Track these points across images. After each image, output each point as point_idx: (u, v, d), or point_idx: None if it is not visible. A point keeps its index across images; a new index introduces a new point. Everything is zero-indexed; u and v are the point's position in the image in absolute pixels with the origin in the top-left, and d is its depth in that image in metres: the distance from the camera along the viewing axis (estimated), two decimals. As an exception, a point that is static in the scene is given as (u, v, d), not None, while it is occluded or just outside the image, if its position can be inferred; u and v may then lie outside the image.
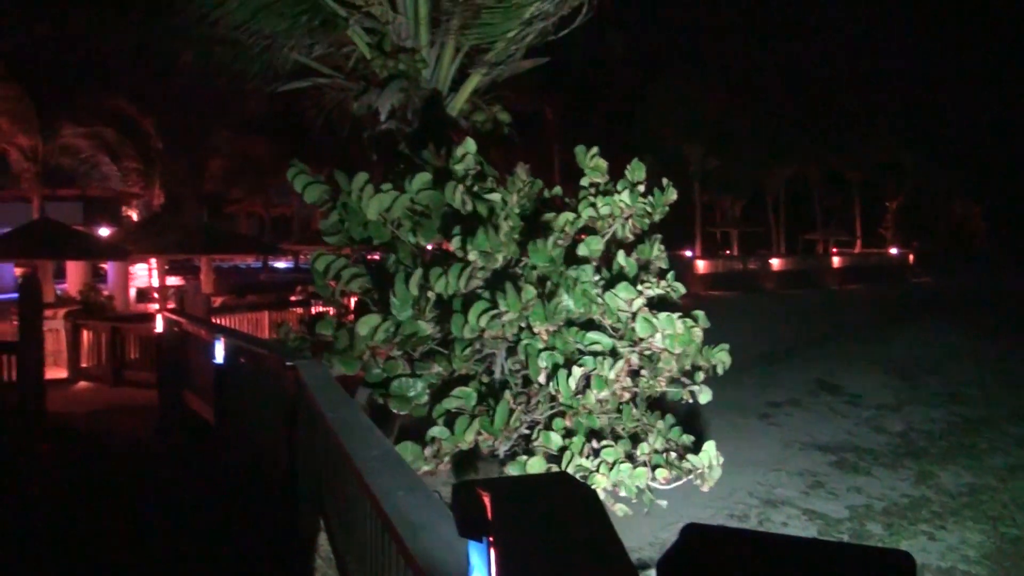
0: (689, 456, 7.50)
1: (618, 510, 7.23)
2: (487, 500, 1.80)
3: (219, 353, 9.87)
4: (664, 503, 7.47)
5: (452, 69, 10.59)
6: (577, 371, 6.98)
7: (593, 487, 6.89)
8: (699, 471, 7.46)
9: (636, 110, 43.45)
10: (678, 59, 45.20)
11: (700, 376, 7.82)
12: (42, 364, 13.96)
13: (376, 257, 9.11)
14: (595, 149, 8.40)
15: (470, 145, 7.96)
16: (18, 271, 38.77)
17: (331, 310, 9.01)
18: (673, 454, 7.59)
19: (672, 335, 7.26)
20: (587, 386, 7.08)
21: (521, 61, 10.71)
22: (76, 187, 35.29)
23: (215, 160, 39.14)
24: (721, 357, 7.82)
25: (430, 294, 7.59)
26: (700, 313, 7.81)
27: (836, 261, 51.69)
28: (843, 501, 10.19)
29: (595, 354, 7.22)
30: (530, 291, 7.15)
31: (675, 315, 7.39)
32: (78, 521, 8.49)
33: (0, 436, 11.86)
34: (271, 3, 10.15)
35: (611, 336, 7.51)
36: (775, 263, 46.86)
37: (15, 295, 29.71)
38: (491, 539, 1.85)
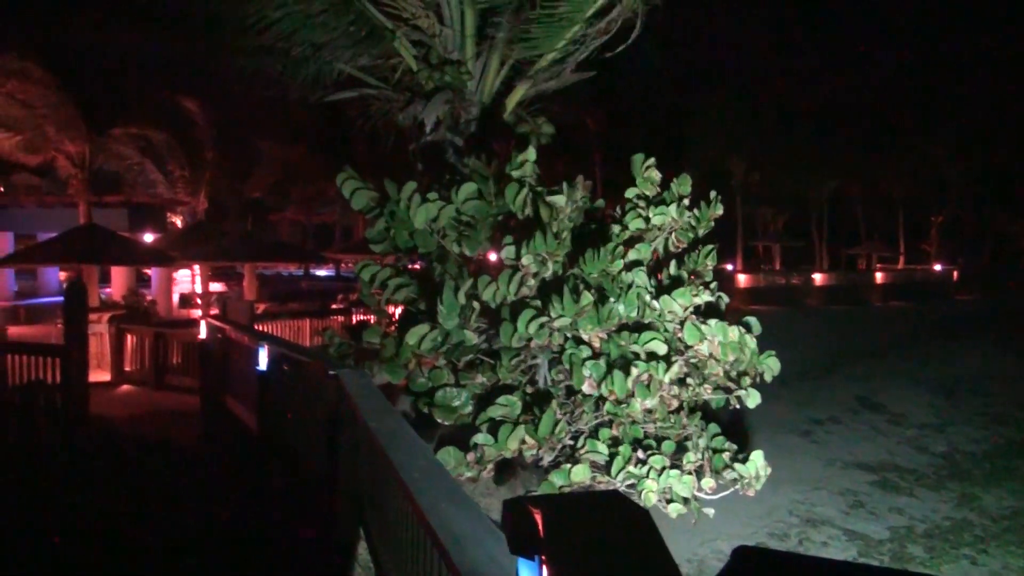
0: (736, 465, 7.44)
1: (672, 511, 7.16)
2: (538, 517, 1.80)
3: (262, 360, 9.93)
4: (711, 511, 7.41)
5: (497, 81, 10.62)
6: (634, 371, 6.95)
7: (643, 492, 6.86)
8: (746, 480, 7.40)
9: (679, 123, 43.32)
10: (722, 72, 45.05)
11: (747, 381, 7.74)
12: (86, 367, 14.12)
13: (416, 267, 9.15)
14: (651, 160, 8.34)
15: (531, 152, 7.98)
16: (63, 275, 39.35)
17: (372, 318, 9.05)
18: (720, 455, 7.52)
19: (724, 342, 7.22)
20: (633, 395, 7.04)
21: (568, 75, 10.71)
22: (122, 193, 35.75)
23: (260, 168, 39.49)
24: (770, 363, 7.76)
25: (476, 304, 7.61)
26: (752, 319, 7.77)
27: (879, 277, 51.12)
28: (884, 522, 10.07)
29: (650, 357, 7.18)
30: (587, 296, 7.14)
31: (724, 322, 7.36)
32: (117, 524, 8.56)
33: (44, 436, 11.98)
34: (318, 14, 10.24)
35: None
36: (817, 278, 46.41)
37: (60, 299, 30.22)
38: (543, 558, 1.84)
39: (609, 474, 7.02)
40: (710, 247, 8.47)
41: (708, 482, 7.34)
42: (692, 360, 7.49)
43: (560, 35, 9.97)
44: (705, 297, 7.71)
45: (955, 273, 56.32)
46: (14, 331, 24.35)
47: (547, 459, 7.35)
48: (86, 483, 9.64)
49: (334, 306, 26.92)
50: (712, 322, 7.35)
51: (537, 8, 9.67)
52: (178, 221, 35.32)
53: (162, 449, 12.20)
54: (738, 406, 7.84)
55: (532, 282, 7.63)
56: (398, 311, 9.11)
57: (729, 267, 42.06)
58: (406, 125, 10.82)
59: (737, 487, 7.52)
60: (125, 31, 26.47)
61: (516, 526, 1.94)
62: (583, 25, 9.92)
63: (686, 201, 8.33)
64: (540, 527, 1.85)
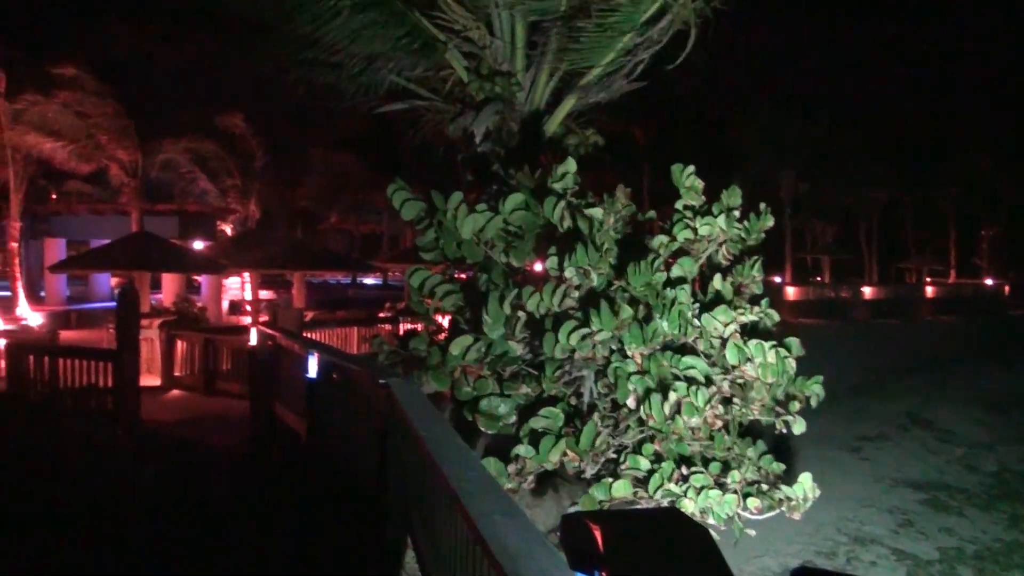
0: (783, 487, 7.36)
1: (711, 530, 7.12)
2: (597, 534, 1.81)
3: (312, 367, 10.02)
4: (753, 532, 7.36)
5: (547, 92, 10.67)
6: (672, 396, 6.92)
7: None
8: (793, 502, 7.32)
9: (727, 134, 43.15)
10: (771, 83, 44.83)
11: (795, 406, 7.65)
12: (137, 371, 14.33)
13: (463, 276, 9.19)
14: (691, 168, 8.29)
15: (571, 164, 7.99)
16: (114, 281, 39.93)
17: (419, 326, 9.10)
18: (764, 485, 7.46)
19: (764, 364, 7.16)
20: (678, 412, 7.01)
21: (619, 86, 10.72)
22: (174, 202, 36.24)
23: (309, 177, 39.84)
24: (815, 389, 7.67)
25: (521, 314, 7.64)
26: (794, 341, 7.68)
27: (929, 291, 50.47)
28: (933, 542, 9.95)
29: (689, 381, 7.14)
30: (626, 311, 7.13)
31: (767, 343, 7.28)
32: (165, 525, 8.67)
33: (96, 439, 12.16)
34: (372, 26, 10.35)
35: (706, 362, 7.42)
36: (867, 292, 45.96)
37: (111, 304, 30.68)
38: (603, 575, 1.85)
39: (646, 490, 6.98)
40: (756, 258, 8.37)
41: (754, 502, 7.27)
42: (738, 380, 7.43)
43: (610, 46, 9.99)
44: (750, 315, 7.64)
45: (1007, 288, 55.47)
46: (66, 335, 24.76)
47: (589, 472, 7.34)
48: (135, 484, 9.77)
49: (381, 314, 27.10)
50: (752, 343, 7.28)
51: (590, 19, 9.69)
52: (228, 229, 35.69)
53: (211, 453, 12.34)
54: (785, 431, 7.76)
55: (576, 294, 7.64)
56: (446, 320, 9.16)
57: (778, 280, 41.75)
58: (456, 136, 10.90)
59: (783, 508, 7.45)
60: (178, 42, 26.89)
61: (575, 542, 1.96)
62: (634, 36, 9.93)
63: (736, 213, 8.28)
64: (599, 543, 1.86)
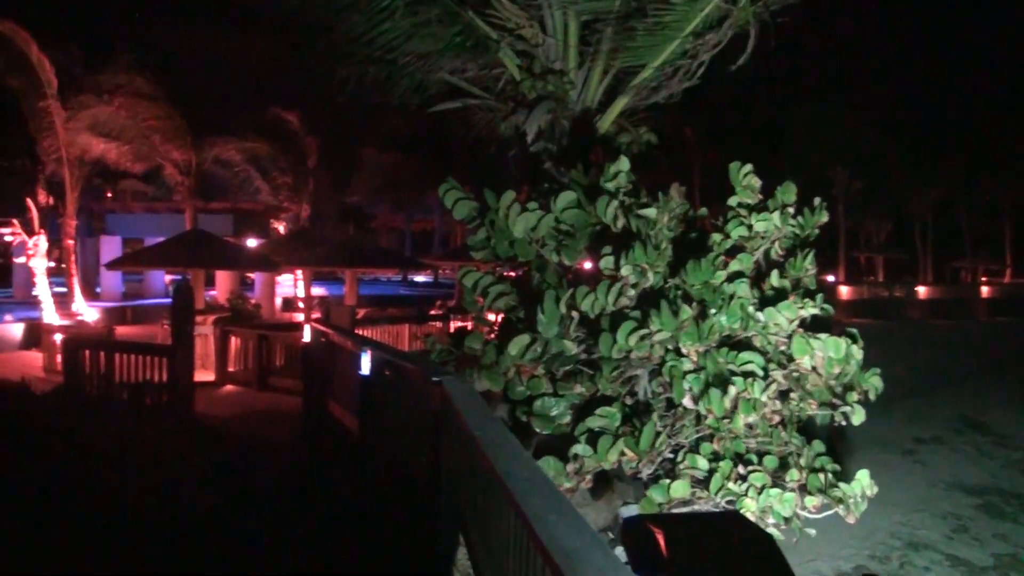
0: (841, 484, 7.29)
1: (772, 530, 7.07)
2: (660, 537, 1.81)
3: (365, 364, 10.08)
4: (813, 531, 7.29)
5: (600, 91, 10.64)
6: (732, 390, 6.88)
7: (742, 511, 6.78)
8: (850, 500, 7.25)
9: (779, 131, 42.78)
10: (824, 80, 44.35)
11: (853, 396, 7.56)
12: (192, 367, 14.51)
13: (512, 274, 9.19)
14: (748, 167, 8.23)
15: (623, 163, 7.96)
16: (168, 278, 40.48)
17: (469, 323, 9.12)
18: (820, 474, 7.39)
19: (832, 356, 7.10)
20: (735, 409, 6.96)
21: (675, 85, 10.67)
22: (227, 200, 36.66)
23: (360, 176, 40.08)
24: (873, 382, 7.59)
25: (575, 313, 7.63)
26: (855, 331, 7.63)
27: (985, 291, 49.63)
28: (988, 548, 9.79)
29: (747, 375, 7.09)
30: (686, 311, 7.09)
31: (834, 336, 7.24)
32: (219, 518, 8.77)
33: (151, 433, 12.33)
34: (425, 25, 10.39)
35: (762, 358, 7.36)
36: (921, 291, 45.31)
37: (165, 300, 31.11)
38: (668, 578, 1.85)
39: (708, 490, 6.94)
40: (808, 251, 8.28)
41: (812, 500, 7.20)
42: (794, 374, 7.37)
43: (665, 45, 9.94)
44: (810, 309, 7.58)
45: (1065, 288, 54.42)
46: (121, 331, 25.16)
47: (646, 472, 7.31)
48: (190, 480, 9.88)
49: (432, 312, 27.20)
50: (823, 336, 7.22)
51: (644, 17, 9.65)
52: (281, 227, 36.03)
53: (264, 448, 12.45)
54: (844, 422, 7.65)
55: (632, 292, 7.61)
56: (498, 317, 9.17)
57: (831, 279, 41.31)
58: (508, 134, 10.91)
59: (840, 508, 7.37)
60: (231, 41, 27.19)
61: (638, 545, 1.95)
62: (691, 37, 9.88)
63: (790, 209, 8.21)
64: (663, 547, 1.86)
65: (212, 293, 29.80)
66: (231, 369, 18.96)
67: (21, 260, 26.40)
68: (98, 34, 28.60)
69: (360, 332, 17.22)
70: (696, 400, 7.03)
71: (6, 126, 23.68)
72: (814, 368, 7.23)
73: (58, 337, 19.05)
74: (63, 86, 25.23)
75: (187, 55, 28.83)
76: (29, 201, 22.94)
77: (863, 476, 7.35)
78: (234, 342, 19.08)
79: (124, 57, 27.25)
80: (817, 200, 8.45)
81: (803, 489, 7.26)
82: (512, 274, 9.18)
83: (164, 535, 8.29)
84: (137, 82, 26.94)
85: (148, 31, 29.20)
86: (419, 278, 58.94)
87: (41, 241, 24.17)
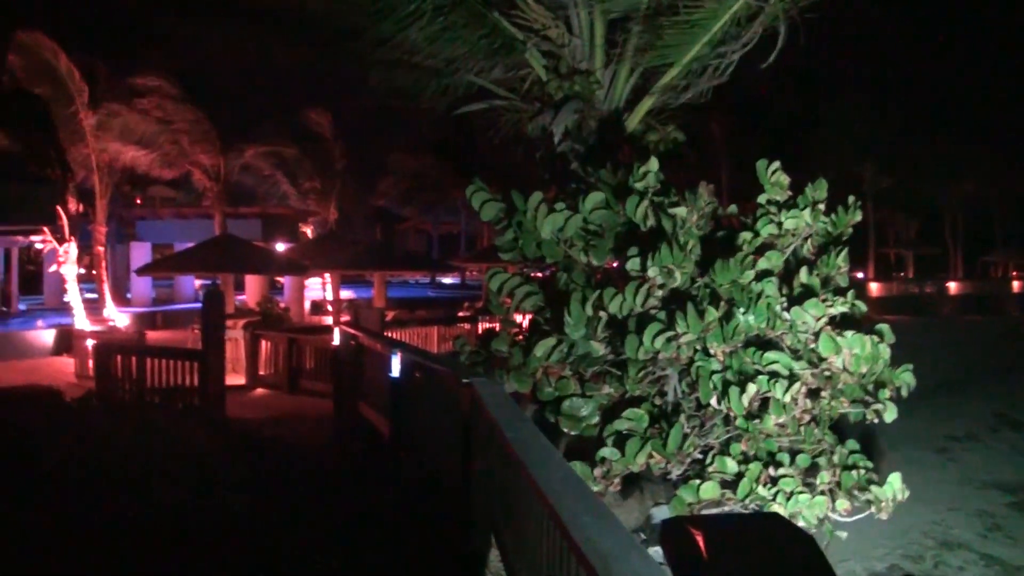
0: (874, 488, 7.23)
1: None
2: (700, 539, 1.80)
3: (395, 367, 10.12)
4: (844, 534, 7.23)
5: (627, 90, 10.62)
6: (751, 388, 6.83)
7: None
8: (882, 503, 7.19)
9: (806, 127, 42.49)
10: (851, 74, 44.04)
11: (885, 393, 7.48)
12: (223, 371, 14.62)
13: (540, 275, 9.18)
14: (776, 164, 8.17)
15: (653, 163, 7.93)
16: (198, 283, 40.78)
17: (498, 325, 9.12)
18: (854, 473, 7.32)
19: (859, 355, 7.03)
20: (762, 407, 6.92)
21: (703, 84, 10.64)
22: (256, 205, 36.89)
23: (387, 178, 40.24)
24: (905, 378, 7.50)
25: (602, 314, 7.61)
26: (885, 327, 7.53)
27: (1016, 286, 49.10)
28: (1023, 547, 9.66)
29: (772, 375, 7.03)
30: (712, 313, 7.05)
31: (861, 334, 7.16)
32: (250, 521, 8.82)
33: (182, 437, 12.41)
34: (452, 28, 10.42)
35: (790, 357, 7.30)
36: (952, 287, 44.90)
37: (195, 305, 31.33)
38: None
39: (736, 492, 6.90)
40: (841, 248, 8.20)
41: (843, 504, 7.14)
42: (825, 373, 7.31)
43: (693, 43, 9.91)
44: (840, 307, 7.51)
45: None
46: (152, 336, 25.39)
47: (675, 473, 7.28)
48: (223, 484, 9.94)
49: (460, 314, 27.26)
50: (848, 334, 7.14)
51: (671, 16, 9.63)
52: (309, 231, 36.21)
53: (296, 451, 12.50)
54: (876, 420, 7.58)
55: (659, 293, 7.58)
56: (525, 319, 9.17)
57: (860, 275, 41.00)
58: (535, 135, 10.91)
59: (872, 510, 7.31)
60: (257, 47, 27.39)
61: (678, 548, 1.94)
62: (719, 35, 9.84)
63: (821, 207, 8.14)
64: (702, 549, 1.85)
65: (242, 297, 30.00)
66: (262, 372, 19.09)
67: (52, 267, 26.65)
68: (124, 39, 28.86)
69: (389, 334, 17.29)
70: (720, 400, 7.00)
71: (35, 135, 23.90)
72: (845, 367, 7.17)
73: (89, 343, 19.25)
74: (91, 93, 25.47)
75: (214, 60, 29.07)
76: (59, 209, 23.15)
77: (895, 479, 7.28)
78: (264, 346, 19.21)
79: (151, 62, 27.49)
80: (851, 198, 8.37)
81: (833, 492, 7.20)
82: (539, 275, 9.17)
83: (197, 538, 8.35)
84: (165, 87, 27.15)
85: (174, 36, 29.46)
86: (447, 280, 59.03)
87: (71, 248, 24.39)
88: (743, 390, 6.89)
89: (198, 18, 29.62)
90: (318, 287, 35.73)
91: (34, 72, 24.84)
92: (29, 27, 24.11)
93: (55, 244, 24.26)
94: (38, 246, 26.31)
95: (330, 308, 30.29)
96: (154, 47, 28.55)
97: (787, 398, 6.92)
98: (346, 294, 35.70)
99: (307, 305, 33.65)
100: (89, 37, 26.45)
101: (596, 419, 7.69)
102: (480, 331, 21.88)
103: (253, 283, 31.20)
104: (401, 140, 36.57)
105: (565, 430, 7.70)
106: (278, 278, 33.72)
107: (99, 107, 25.91)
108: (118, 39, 28.32)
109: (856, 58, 43.41)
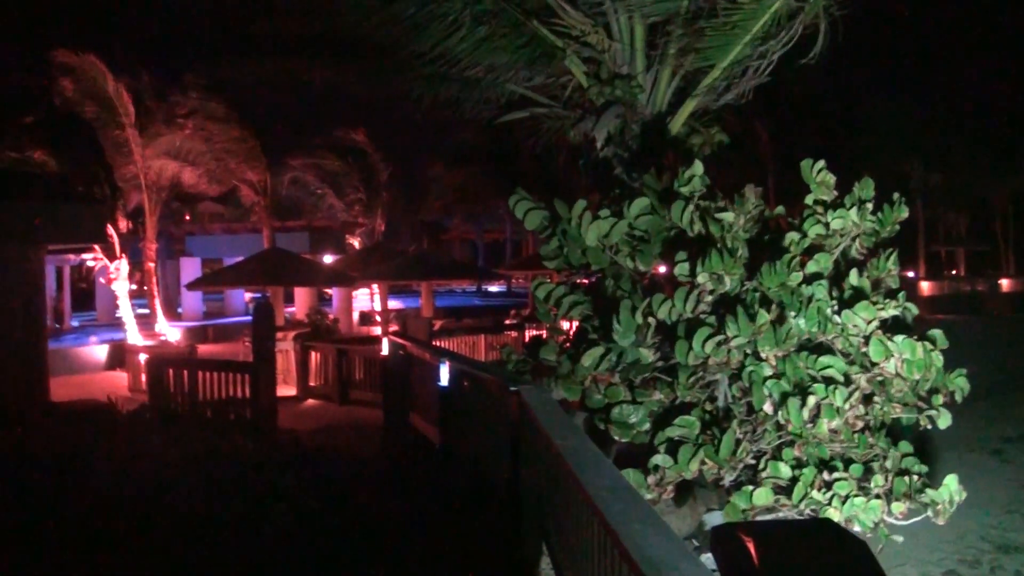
0: (929, 490, 7.11)
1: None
2: (751, 546, 1.79)
3: (443, 376, 10.16)
4: (900, 539, 7.12)
5: (669, 93, 10.57)
6: (811, 400, 6.76)
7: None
8: (938, 507, 7.07)
9: (852, 124, 42.04)
10: (898, 71, 43.53)
11: (939, 399, 7.36)
12: (274, 382, 14.76)
13: (585, 281, 9.16)
14: (821, 163, 8.06)
15: (697, 167, 7.88)
16: (248, 296, 41.20)
17: (544, 332, 9.12)
18: (908, 478, 7.21)
19: (910, 360, 6.93)
20: (817, 415, 6.84)
21: (745, 84, 10.57)
22: (303, 218, 37.22)
23: (431, 189, 40.42)
24: (959, 383, 7.37)
25: (651, 320, 7.57)
26: (938, 333, 7.40)
27: (1068, 281, 48.17)
28: (1082, 551, 9.44)
29: (827, 381, 6.96)
30: (763, 315, 6.98)
31: (912, 338, 7.05)
32: (306, 529, 8.88)
33: (236, 448, 12.52)
34: (491, 38, 10.45)
35: (844, 361, 7.21)
36: (1004, 284, 44.16)
37: (245, 318, 31.65)
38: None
39: (791, 497, 6.82)
40: (891, 250, 8.08)
41: (899, 507, 7.01)
42: (878, 378, 7.21)
43: (734, 45, 9.84)
44: (891, 310, 7.40)
45: None
46: (203, 349, 25.74)
47: (727, 479, 7.22)
48: (277, 495, 10.02)
49: (507, 321, 27.29)
50: (898, 338, 7.03)
51: (712, 18, 9.58)
52: (356, 242, 36.47)
53: (347, 460, 12.57)
54: (929, 426, 7.46)
55: (708, 298, 7.53)
56: (572, 325, 9.15)
57: (911, 274, 40.46)
58: (577, 142, 10.90)
59: (928, 513, 7.19)
60: (300, 64, 27.60)
61: (728, 554, 1.93)
62: (760, 35, 9.78)
63: (869, 206, 8.04)
64: (754, 556, 1.84)
65: (291, 309, 30.26)
66: (312, 383, 19.26)
67: (104, 284, 27.08)
68: (170, 59, 29.30)
69: (437, 343, 17.35)
70: (776, 407, 6.92)
71: (84, 155, 24.35)
72: (898, 372, 7.06)
73: (142, 357, 19.53)
74: (138, 113, 25.88)
75: (255, 76, 29.34)
76: (109, 227, 23.54)
77: (951, 481, 7.15)
78: (314, 357, 19.38)
79: (194, 81, 27.87)
80: (896, 195, 8.25)
81: (888, 495, 7.10)
82: (584, 282, 9.16)
83: (251, 549, 8.43)
84: (210, 106, 27.53)
85: (216, 55, 29.80)
86: (492, 288, 59.14)
87: (123, 265, 24.78)
88: (803, 400, 6.80)
89: (242, 38, 29.95)
90: (366, 298, 35.95)
91: (82, 94, 25.30)
92: (76, 50, 24.55)
93: (106, 261, 24.66)
94: (90, 263, 26.76)
95: (378, 318, 30.46)
96: (199, 66, 28.93)
97: (845, 404, 6.84)
98: (394, 304, 35.89)
99: (355, 316, 33.89)
100: (135, 58, 26.84)
101: (647, 426, 7.64)
102: (526, 338, 21.92)
103: (302, 295, 31.47)
104: (445, 151, 36.73)
105: (616, 437, 7.66)
106: (327, 290, 33.97)
107: (146, 127, 26.31)
108: (163, 60, 28.75)
109: (902, 53, 42.95)
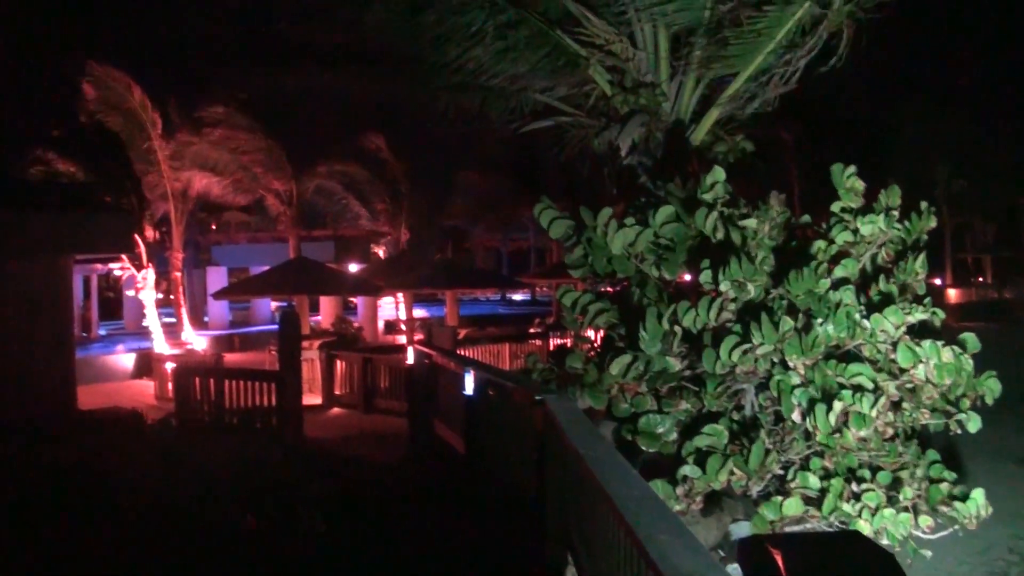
0: (956, 504, 7.05)
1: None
2: (779, 559, 1.78)
3: (469, 385, 10.17)
4: (929, 553, 7.06)
5: (693, 101, 10.56)
6: (837, 405, 6.71)
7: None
8: (965, 520, 7.01)
9: (876, 131, 41.77)
10: (923, 76, 43.22)
11: (966, 404, 7.28)
12: (300, 391, 14.80)
13: (610, 289, 9.16)
14: (852, 168, 8.03)
15: (719, 174, 7.87)
16: (274, 305, 41.37)
17: (569, 340, 9.12)
18: (938, 486, 7.15)
19: (940, 365, 6.88)
20: (845, 423, 6.79)
21: (769, 92, 10.54)
22: (328, 227, 37.36)
23: (455, 198, 40.50)
24: (990, 385, 7.27)
25: (677, 328, 7.56)
26: (969, 336, 7.34)
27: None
28: (1113, 562, 9.33)
29: (856, 389, 6.91)
30: (787, 322, 6.95)
31: (939, 342, 7.00)
32: (333, 544, 8.91)
33: (262, 456, 12.56)
34: (515, 47, 10.47)
35: (872, 368, 7.16)
36: (1032, 291, 43.61)
37: (271, 327, 31.78)
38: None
39: (820, 509, 6.78)
40: (919, 254, 8.02)
41: (926, 520, 6.95)
42: (907, 385, 7.16)
43: (758, 53, 9.81)
44: (919, 315, 7.34)
45: None
46: (229, 358, 25.83)
47: (755, 489, 7.18)
48: (304, 503, 10.05)
49: (531, 330, 27.26)
50: (926, 343, 6.97)
51: (736, 27, 9.57)
52: (380, 251, 36.59)
53: (373, 469, 12.61)
54: (959, 431, 7.38)
55: (732, 307, 7.50)
56: (598, 334, 9.14)
57: (938, 282, 40.13)
58: (601, 150, 10.90)
59: (956, 527, 7.13)
60: (324, 74, 27.81)
61: (756, 567, 1.92)
62: (784, 43, 9.75)
63: (896, 213, 7.99)
64: (782, 569, 1.83)
65: (317, 318, 30.38)
66: (337, 392, 19.30)
67: (131, 293, 27.28)
68: (195, 70, 29.51)
69: (462, 352, 17.36)
70: (804, 415, 6.89)
71: (111, 165, 24.58)
72: (927, 378, 7.00)
73: (168, 366, 19.64)
74: (164, 124, 26.08)
75: (281, 86, 29.58)
76: (136, 237, 23.73)
77: (978, 495, 7.08)
78: (339, 366, 19.42)
79: (221, 92, 28.08)
80: (924, 204, 8.20)
81: (916, 507, 7.05)
82: (609, 289, 9.15)
83: (277, 557, 8.46)
84: (235, 118, 27.71)
85: (242, 65, 30.03)
86: (517, 296, 59.14)
87: (149, 274, 24.97)
88: (829, 407, 6.76)
89: (267, 48, 30.18)
90: (391, 306, 36.03)
91: (108, 105, 25.52)
92: (104, 62, 24.79)
93: (133, 271, 24.84)
94: (117, 273, 26.95)
95: (403, 327, 30.52)
96: (223, 77, 29.15)
97: (873, 412, 6.79)
98: (418, 313, 35.95)
99: (380, 325, 33.97)
100: (159, 69, 27.06)
101: (674, 436, 7.62)
102: (551, 347, 21.90)
103: (327, 304, 31.60)
104: (469, 160, 36.80)
105: (642, 447, 7.64)
106: (352, 298, 34.08)
107: (172, 138, 26.52)
108: (189, 71, 28.98)
109: (925, 59, 42.65)
